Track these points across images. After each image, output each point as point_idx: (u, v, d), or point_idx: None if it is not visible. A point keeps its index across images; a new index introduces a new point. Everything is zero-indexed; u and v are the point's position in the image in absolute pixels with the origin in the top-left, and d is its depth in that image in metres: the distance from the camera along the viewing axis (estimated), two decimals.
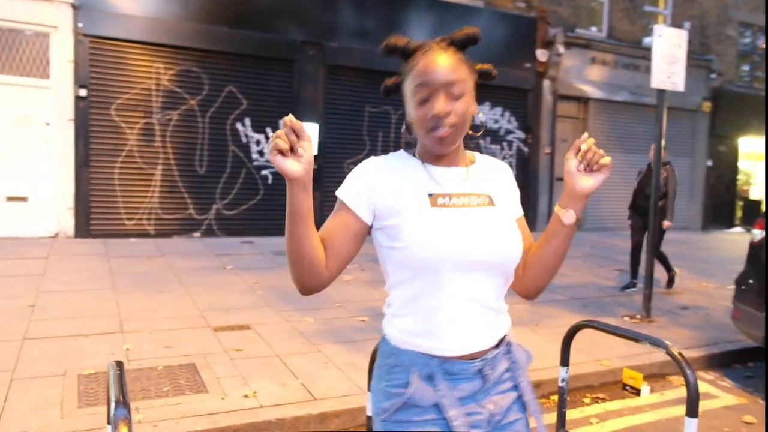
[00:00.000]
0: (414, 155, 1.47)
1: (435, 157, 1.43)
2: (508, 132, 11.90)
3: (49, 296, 5.42)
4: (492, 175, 1.51)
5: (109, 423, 2.24)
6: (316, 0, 9.93)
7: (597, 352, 4.63)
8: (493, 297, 1.42)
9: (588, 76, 12.67)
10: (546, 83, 12.11)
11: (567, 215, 1.43)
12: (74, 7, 8.42)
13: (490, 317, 1.41)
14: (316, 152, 10.14)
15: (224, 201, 9.49)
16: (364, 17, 10.32)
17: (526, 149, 12.10)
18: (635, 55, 13.09)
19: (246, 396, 3.48)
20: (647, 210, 6.69)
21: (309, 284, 1.37)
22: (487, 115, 11.63)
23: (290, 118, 1.22)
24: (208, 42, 9.19)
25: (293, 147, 1.23)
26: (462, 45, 1.41)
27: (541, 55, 11.92)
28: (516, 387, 1.47)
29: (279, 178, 9.85)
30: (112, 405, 1.73)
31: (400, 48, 1.40)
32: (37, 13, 8.26)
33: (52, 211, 8.45)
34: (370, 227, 1.41)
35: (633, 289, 6.94)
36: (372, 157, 1.44)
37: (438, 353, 1.37)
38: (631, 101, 12.99)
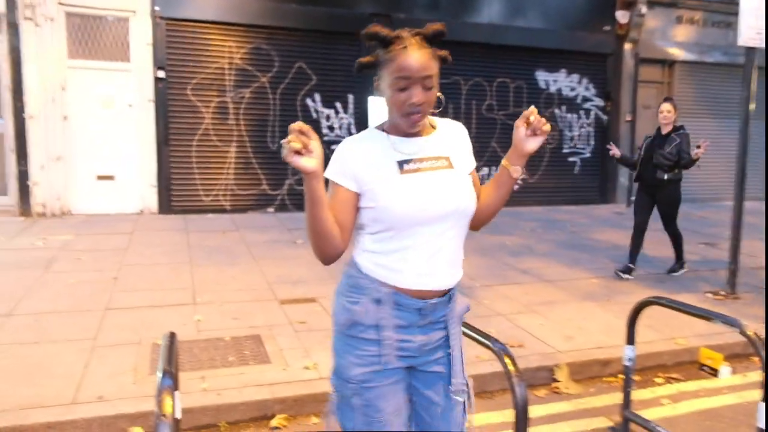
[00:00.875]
0: (382, 130, 1.73)
1: (401, 129, 1.69)
2: (586, 99, 11.39)
3: (132, 269, 5.74)
4: (449, 138, 1.78)
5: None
6: None
7: (671, 330, 4.39)
8: (452, 246, 1.72)
9: (674, 37, 11.86)
10: (627, 46, 11.44)
11: (516, 170, 1.79)
12: None
13: (444, 265, 1.71)
14: None
15: (296, 176, 9.66)
16: None
17: (605, 117, 11.54)
18: (728, 11, 12.08)
19: (306, 368, 3.56)
20: (656, 183, 5.96)
21: (330, 254, 1.65)
22: (563, 82, 11.18)
23: (298, 124, 1.43)
24: (277, 19, 9.30)
25: (306, 146, 1.44)
26: (433, 40, 1.63)
27: (622, 16, 11.25)
28: (446, 328, 1.77)
29: None
30: (159, 374, 1.81)
31: (381, 36, 1.60)
32: None
33: (137, 188, 8.91)
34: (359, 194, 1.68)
35: (629, 276, 5.90)
36: (347, 138, 1.72)
37: (392, 283, 1.67)
38: (724, 62, 12.07)
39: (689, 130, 6.09)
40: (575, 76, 11.23)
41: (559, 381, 3.74)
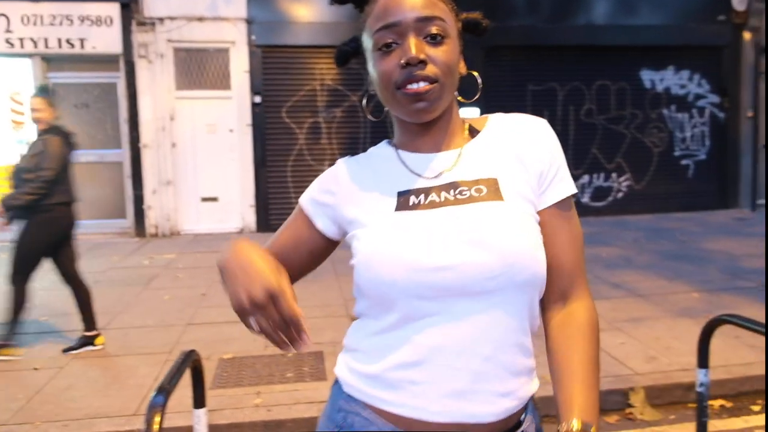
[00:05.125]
0: (392, 144, 1.12)
1: (414, 139, 1.06)
2: (699, 97, 10.48)
3: (220, 286, 6.00)
4: (506, 143, 1.04)
5: (195, 407, 2.40)
6: None
7: None
8: (500, 340, 0.94)
9: None
10: (746, 36, 10.41)
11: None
12: (248, 22, 9.23)
13: (491, 375, 0.94)
14: None
15: None
16: None
17: (721, 115, 10.55)
18: None
19: None
20: (23, 209, 3.95)
21: None
22: (671, 80, 10.37)
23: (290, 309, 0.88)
24: None
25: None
26: None
27: (739, 3, 10.27)
28: None
29: None
30: (152, 392, 1.84)
31: None
32: (218, 32, 9.21)
33: (238, 208, 9.40)
34: (336, 241, 1.13)
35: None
36: (344, 158, 1.15)
37: (390, 410, 0.97)
38: None
39: None
40: (685, 73, 10.38)
41: (633, 406, 3.41)
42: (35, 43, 8.81)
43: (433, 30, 0.96)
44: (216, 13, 9.18)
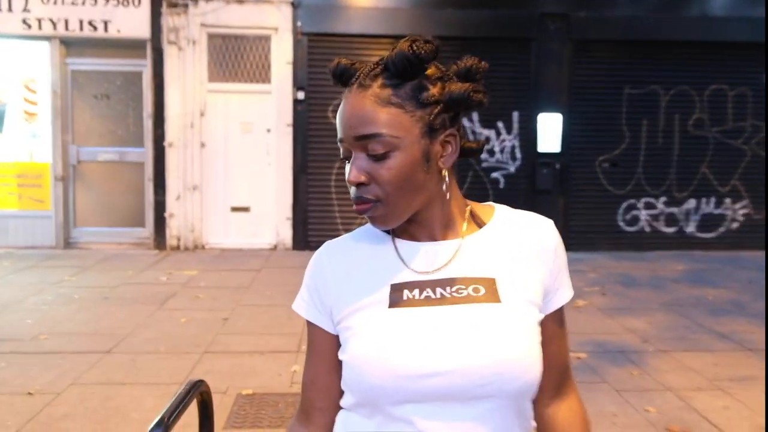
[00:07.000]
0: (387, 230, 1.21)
1: (407, 226, 1.17)
2: None
3: (246, 310, 6.16)
4: (508, 244, 1.16)
5: None
6: None
7: None
8: None
9: None
10: None
11: None
12: (294, 5, 9.49)
13: None
14: (558, 149, 9.85)
15: None
16: None
17: None
18: None
19: None
20: None
21: None
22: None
23: None
24: (431, 28, 9.48)
25: None
26: (399, 74, 1.07)
27: None
28: None
29: (511, 181, 9.78)
30: (152, 424, 1.90)
31: (341, 70, 1.14)
32: (259, 16, 9.51)
33: (272, 221, 9.60)
34: None
35: None
36: (328, 242, 1.26)
37: None
38: None
39: None
40: None
41: None
42: (54, 25, 9.30)
43: (374, 149, 1.08)
44: None
